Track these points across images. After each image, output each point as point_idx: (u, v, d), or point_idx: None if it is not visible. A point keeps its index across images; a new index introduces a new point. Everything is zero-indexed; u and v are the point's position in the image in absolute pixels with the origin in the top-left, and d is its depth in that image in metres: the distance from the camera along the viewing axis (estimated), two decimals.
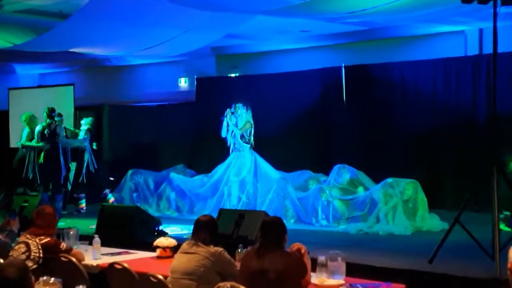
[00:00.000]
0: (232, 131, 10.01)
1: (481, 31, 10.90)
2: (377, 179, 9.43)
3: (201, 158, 12.99)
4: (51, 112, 10.67)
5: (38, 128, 10.77)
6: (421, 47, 11.52)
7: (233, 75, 13.49)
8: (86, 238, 6.55)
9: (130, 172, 11.56)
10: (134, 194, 11.30)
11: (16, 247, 5.40)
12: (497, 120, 6.61)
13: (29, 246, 5.32)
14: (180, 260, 4.79)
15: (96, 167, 11.01)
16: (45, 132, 10.59)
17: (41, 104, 11.63)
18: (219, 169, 10.35)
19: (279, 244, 4.42)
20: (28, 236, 5.43)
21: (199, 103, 13.39)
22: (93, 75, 15.81)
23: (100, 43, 10.46)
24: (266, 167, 10.03)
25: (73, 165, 11.16)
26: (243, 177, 9.93)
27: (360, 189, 9.43)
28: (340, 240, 8.02)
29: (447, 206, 10.23)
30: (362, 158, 11.03)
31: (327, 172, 10.00)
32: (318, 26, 10.82)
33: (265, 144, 11.00)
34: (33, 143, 10.77)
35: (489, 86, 9.85)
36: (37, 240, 5.37)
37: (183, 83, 14.53)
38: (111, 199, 11.04)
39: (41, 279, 3.75)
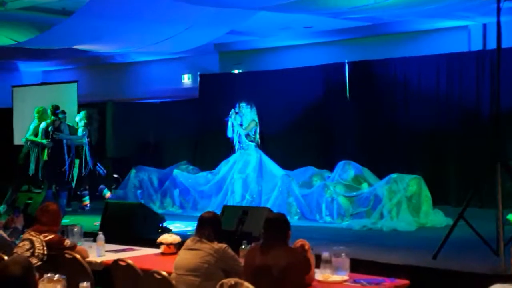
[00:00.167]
0: (237, 131, 10.01)
1: (484, 26, 10.84)
2: (380, 175, 9.41)
3: (205, 154, 12.99)
4: (55, 110, 10.71)
5: (42, 125, 10.80)
6: (425, 43, 11.47)
7: (236, 71, 13.48)
8: (90, 235, 6.54)
9: (134, 169, 11.58)
10: (138, 191, 11.30)
11: (20, 244, 5.41)
12: (501, 115, 6.59)
13: (33, 243, 5.32)
14: (184, 257, 4.79)
15: (92, 163, 11.01)
16: (49, 129, 10.61)
17: (44, 102, 11.65)
18: (224, 167, 10.35)
19: (283, 241, 4.43)
20: (32, 233, 5.43)
21: (203, 99, 13.38)
22: (97, 72, 15.82)
23: (104, 40, 10.45)
24: (271, 165, 10.01)
25: (76, 162, 11.18)
26: (247, 174, 9.92)
27: (365, 186, 9.41)
28: (344, 236, 8.01)
29: (451, 202, 10.23)
30: (366, 154, 10.99)
31: (331, 168, 9.99)
32: (321, 22, 10.79)
33: (269, 141, 10.98)
34: (38, 139, 10.79)
35: (493, 81, 9.81)
36: (41, 237, 5.37)
37: (186, 79, 14.51)
38: (107, 194, 11.05)
39: (45, 276, 3.76)
